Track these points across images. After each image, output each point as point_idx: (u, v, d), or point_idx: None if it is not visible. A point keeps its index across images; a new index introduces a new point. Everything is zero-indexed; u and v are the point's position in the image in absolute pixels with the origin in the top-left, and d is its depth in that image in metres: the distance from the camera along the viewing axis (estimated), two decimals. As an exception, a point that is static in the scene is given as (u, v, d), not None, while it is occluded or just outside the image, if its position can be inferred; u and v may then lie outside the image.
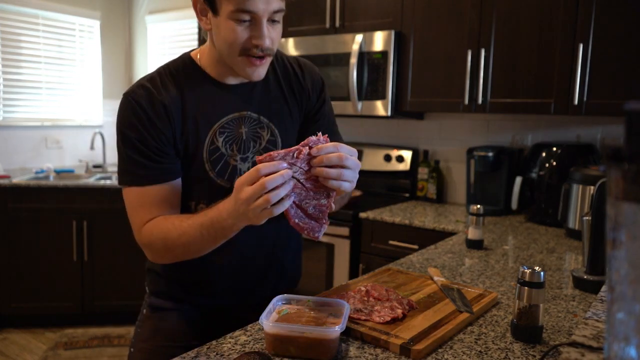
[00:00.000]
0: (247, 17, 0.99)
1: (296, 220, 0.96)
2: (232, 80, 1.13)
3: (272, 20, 1.03)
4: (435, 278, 1.33)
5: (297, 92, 1.22)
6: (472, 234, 1.79)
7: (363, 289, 1.19)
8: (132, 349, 1.23)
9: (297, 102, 1.22)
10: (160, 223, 1.05)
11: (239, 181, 0.89)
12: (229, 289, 1.21)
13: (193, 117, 1.09)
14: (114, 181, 3.43)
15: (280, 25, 1.07)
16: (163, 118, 1.05)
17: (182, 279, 1.20)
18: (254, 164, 1.09)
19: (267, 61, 1.07)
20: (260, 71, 1.07)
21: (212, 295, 1.21)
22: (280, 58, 1.22)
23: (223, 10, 0.99)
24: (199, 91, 1.11)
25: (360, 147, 3.06)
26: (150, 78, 1.09)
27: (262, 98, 1.16)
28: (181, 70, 1.12)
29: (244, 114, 1.13)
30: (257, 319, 0.96)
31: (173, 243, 1.03)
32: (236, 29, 1.00)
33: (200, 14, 1.06)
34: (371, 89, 2.62)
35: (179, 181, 1.09)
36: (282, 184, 0.87)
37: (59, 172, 3.63)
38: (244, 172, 1.09)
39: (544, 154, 2.33)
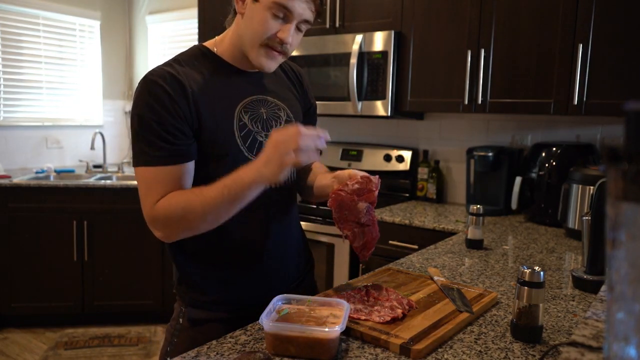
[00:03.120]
0: (282, 14, 1.08)
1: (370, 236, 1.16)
2: (246, 68, 1.20)
3: (298, 28, 1.13)
4: (435, 278, 1.33)
5: (297, 87, 1.35)
6: (472, 234, 1.79)
7: (363, 289, 1.19)
8: (168, 359, 1.20)
9: (300, 96, 1.35)
10: (177, 194, 1.08)
11: (275, 131, 1.01)
12: (266, 276, 1.22)
13: (218, 96, 1.14)
14: (114, 181, 3.43)
15: (301, 36, 1.17)
16: (181, 95, 1.07)
17: (219, 278, 1.20)
18: None
19: (280, 59, 1.17)
20: (272, 64, 1.15)
21: (250, 288, 1.21)
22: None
23: (265, 0, 1.07)
24: (218, 74, 1.17)
25: (360, 147, 3.06)
26: (168, 63, 1.13)
27: (274, 85, 1.27)
28: (199, 56, 1.17)
29: (262, 97, 1.22)
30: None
31: (193, 210, 1.06)
32: (269, 21, 1.08)
33: None
34: (371, 89, 2.62)
35: (192, 164, 1.11)
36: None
37: (59, 172, 3.63)
38: None
39: (543, 154, 2.33)
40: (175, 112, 1.06)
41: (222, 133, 1.13)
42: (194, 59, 1.16)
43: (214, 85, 1.15)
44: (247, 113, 1.17)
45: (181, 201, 1.06)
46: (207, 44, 1.21)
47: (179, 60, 1.14)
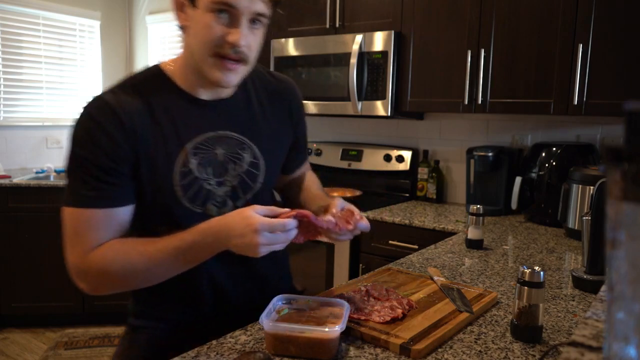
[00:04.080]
0: (226, 12, 0.92)
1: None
2: (205, 95, 1.04)
3: (253, 22, 0.96)
4: (435, 278, 1.34)
5: (283, 109, 1.17)
6: (472, 233, 1.79)
7: (363, 289, 1.19)
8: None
9: (286, 120, 1.18)
10: (116, 247, 0.95)
11: (260, 221, 0.88)
12: (216, 301, 1.12)
13: (162, 134, 0.98)
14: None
15: (261, 33, 0.99)
16: (119, 132, 0.94)
17: (168, 297, 1.11)
18: (233, 188, 1.06)
19: (242, 69, 0.99)
20: (231, 77, 0.98)
21: (197, 309, 1.12)
22: (261, 73, 1.16)
23: (202, 1, 0.92)
24: (168, 106, 1.00)
25: (360, 147, 3.06)
26: (113, 90, 1.00)
27: (245, 116, 1.09)
28: (148, 81, 1.02)
29: (223, 134, 1.04)
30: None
31: (134, 270, 0.95)
32: (211, 23, 0.92)
33: (178, 9, 0.97)
34: (371, 89, 2.62)
35: (130, 209, 0.99)
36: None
37: (59, 172, 3.63)
38: (220, 196, 1.04)
39: (543, 154, 2.33)
40: (112, 152, 0.93)
41: (160, 180, 0.98)
42: (143, 84, 1.01)
43: (161, 120, 0.99)
44: (197, 155, 1.01)
45: (120, 257, 0.94)
46: (163, 64, 1.05)
47: (126, 85, 1.00)
